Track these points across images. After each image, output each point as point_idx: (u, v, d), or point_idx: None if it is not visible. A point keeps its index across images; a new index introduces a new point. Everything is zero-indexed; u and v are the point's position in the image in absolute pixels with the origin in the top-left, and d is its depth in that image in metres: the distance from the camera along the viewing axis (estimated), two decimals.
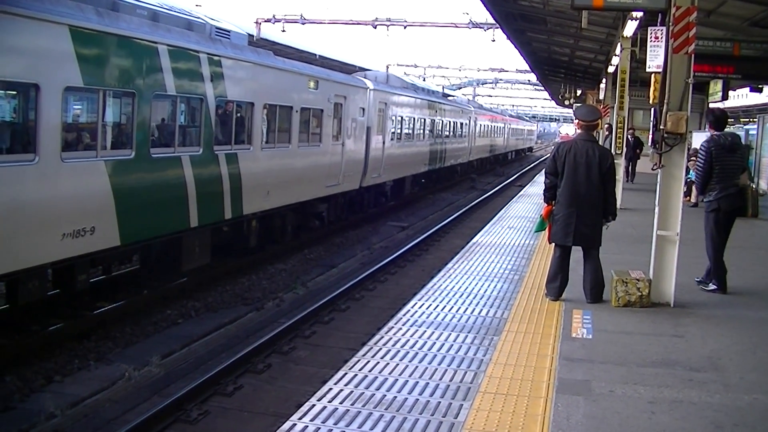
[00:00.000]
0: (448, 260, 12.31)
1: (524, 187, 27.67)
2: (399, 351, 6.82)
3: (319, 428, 5.09)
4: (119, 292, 12.49)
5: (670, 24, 8.17)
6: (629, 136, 24.75)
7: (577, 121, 8.86)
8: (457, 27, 31.55)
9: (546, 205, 8.77)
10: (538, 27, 22.77)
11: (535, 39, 25.48)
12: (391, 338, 7.22)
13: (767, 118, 17.47)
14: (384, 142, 23.42)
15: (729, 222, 9.44)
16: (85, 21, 9.90)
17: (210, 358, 10.37)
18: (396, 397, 5.69)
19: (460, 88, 61.35)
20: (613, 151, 17.26)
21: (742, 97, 41.76)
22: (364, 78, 23.47)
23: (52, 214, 9.57)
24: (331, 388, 5.84)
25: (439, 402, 5.61)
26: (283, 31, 30.40)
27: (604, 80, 25.72)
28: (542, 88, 58.62)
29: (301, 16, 30.51)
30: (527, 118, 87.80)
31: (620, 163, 17.22)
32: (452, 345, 7.04)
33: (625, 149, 24.11)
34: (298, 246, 18.08)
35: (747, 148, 9.96)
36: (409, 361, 6.54)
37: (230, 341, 11.21)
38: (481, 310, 8.35)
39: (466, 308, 8.41)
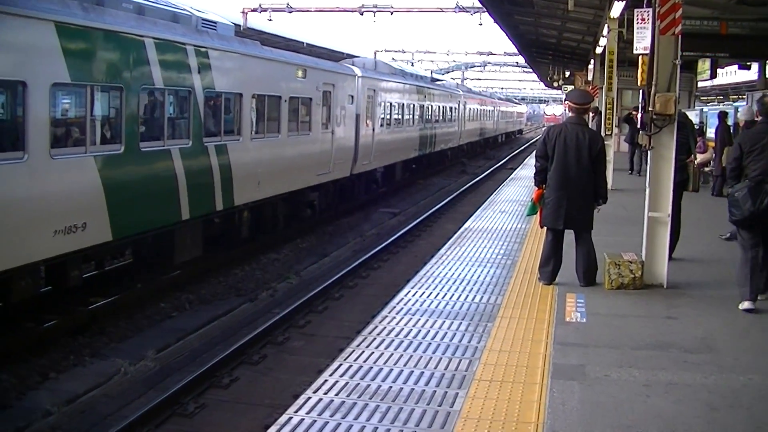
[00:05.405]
0: (440, 246, 12.31)
1: (515, 169, 27.66)
2: (393, 340, 6.82)
3: (315, 421, 5.09)
4: (112, 287, 12.45)
5: (656, 5, 8.16)
6: (634, 119, 22.37)
7: (567, 103, 8.85)
8: (443, 11, 31.52)
9: (537, 188, 8.79)
10: (524, 9, 22.68)
11: (522, 22, 25.40)
12: (384, 327, 7.21)
13: (756, 96, 17.46)
14: (374, 129, 23.36)
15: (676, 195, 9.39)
16: (70, 16, 9.84)
17: (205, 351, 10.38)
18: (391, 387, 5.68)
19: (448, 72, 61.18)
20: (602, 133, 17.28)
21: (731, 75, 41.92)
22: (353, 65, 23.41)
23: (43, 211, 9.52)
24: (326, 380, 5.83)
25: (435, 391, 5.60)
26: (270, 20, 30.32)
27: (592, 61, 25.69)
28: (531, 71, 58.54)
29: (288, 4, 30.41)
30: (516, 101, 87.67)
31: (610, 145, 17.17)
32: (446, 333, 7.03)
33: (626, 134, 23.39)
34: (290, 235, 18.05)
35: (692, 126, 10.09)
36: (404, 351, 6.53)
37: (225, 333, 11.22)
38: (475, 296, 8.34)
39: (460, 295, 8.40)
